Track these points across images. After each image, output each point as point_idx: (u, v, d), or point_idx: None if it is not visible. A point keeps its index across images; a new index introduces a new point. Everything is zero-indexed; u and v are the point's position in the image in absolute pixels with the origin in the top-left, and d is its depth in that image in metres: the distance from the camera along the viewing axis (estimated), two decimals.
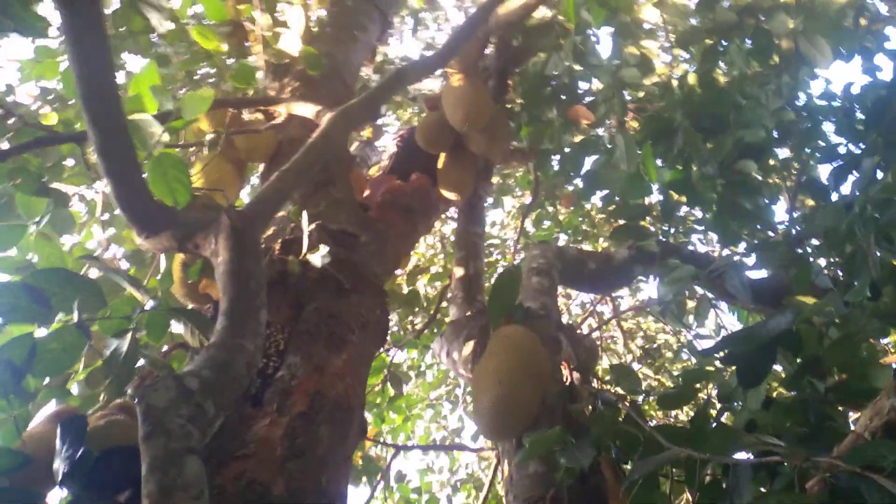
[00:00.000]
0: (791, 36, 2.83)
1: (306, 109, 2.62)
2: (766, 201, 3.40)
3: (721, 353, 2.03)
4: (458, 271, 4.40)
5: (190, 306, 2.75)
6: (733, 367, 1.99)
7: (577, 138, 3.60)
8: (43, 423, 2.38)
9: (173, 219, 1.91)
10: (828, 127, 3.64)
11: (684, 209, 3.90)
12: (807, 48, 2.76)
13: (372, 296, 2.93)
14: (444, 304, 6.07)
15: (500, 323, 2.59)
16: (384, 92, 2.50)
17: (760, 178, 3.42)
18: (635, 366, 7.43)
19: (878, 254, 1.78)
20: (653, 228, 3.13)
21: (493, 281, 2.56)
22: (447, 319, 4.46)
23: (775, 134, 3.55)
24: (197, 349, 2.34)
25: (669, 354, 7.31)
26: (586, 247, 7.35)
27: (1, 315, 2.17)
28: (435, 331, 6.13)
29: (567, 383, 2.47)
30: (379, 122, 8.52)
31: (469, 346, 3.35)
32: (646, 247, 2.88)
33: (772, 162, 4.11)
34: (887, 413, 1.51)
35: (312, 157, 2.20)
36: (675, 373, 5.98)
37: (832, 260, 2.53)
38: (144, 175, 2.03)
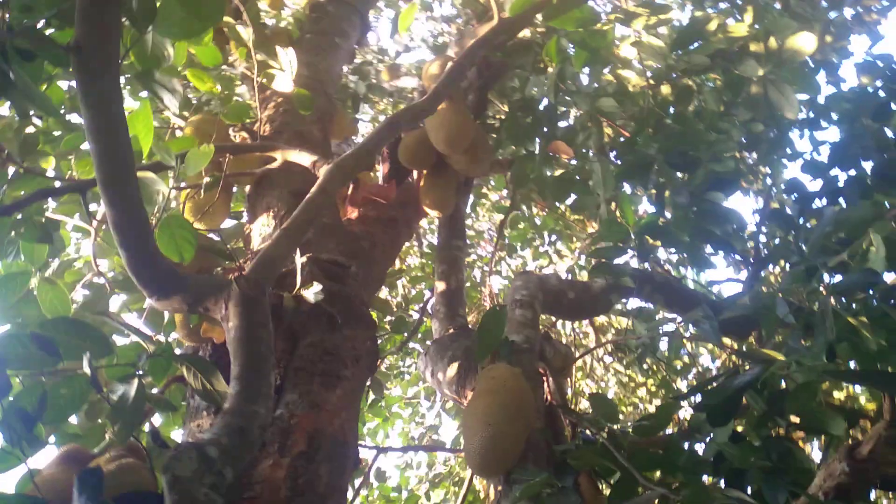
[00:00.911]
0: (760, 83, 2.99)
1: (302, 158, 2.72)
2: (735, 228, 3.59)
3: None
4: (440, 286, 4.53)
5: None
6: None
7: (557, 171, 3.75)
8: (53, 465, 2.49)
9: (183, 283, 2.02)
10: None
11: None
12: (776, 96, 2.92)
13: (364, 328, 3.06)
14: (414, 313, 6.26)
15: (487, 358, 2.74)
16: (378, 142, 2.61)
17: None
18: (607, 359, 7.67)
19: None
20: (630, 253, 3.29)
21: (479, 319, 2.70)
22: (432, 333, 4.60)
23: (744, 140, 3.75)
24: (199, 390, 2.46)
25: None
26: (561, 246, 7.56)
27: (13, 364, 2.26)
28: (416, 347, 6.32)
29: (550, 417, 2.63)
30: (356, 115, 8.59)
31: (454, 368, 3.50)
32: (622, 283, 3.05)
33: (741, 166, 4.32)
34: (839, 475, 1.69)
35: (312, 212, 2.31)
36: (645, 366, 6.22)
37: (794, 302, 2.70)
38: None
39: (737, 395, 2.10)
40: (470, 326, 4.22)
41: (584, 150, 3.61)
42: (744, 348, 2.87)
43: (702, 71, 3.17)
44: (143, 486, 2.31)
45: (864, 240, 2.00)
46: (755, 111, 3.16)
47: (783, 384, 2.27)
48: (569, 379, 5.31)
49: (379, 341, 3.49)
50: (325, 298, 2.93)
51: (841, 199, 3.41)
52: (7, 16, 1.76)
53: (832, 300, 2.04)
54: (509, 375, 2.50)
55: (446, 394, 3.62)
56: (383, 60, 8.73)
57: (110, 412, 2.40)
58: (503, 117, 4.75)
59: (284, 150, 2.86)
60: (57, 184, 2.53)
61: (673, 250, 3.69)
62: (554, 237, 7.40)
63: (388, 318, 6.65)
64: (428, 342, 4.93)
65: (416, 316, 7.11)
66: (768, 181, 6.03)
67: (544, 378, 2.80)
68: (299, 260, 2.90)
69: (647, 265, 3.20)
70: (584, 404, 7.70)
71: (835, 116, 3.91)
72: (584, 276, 6.00)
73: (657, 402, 7.19)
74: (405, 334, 6.01)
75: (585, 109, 3.79)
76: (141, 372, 2.39)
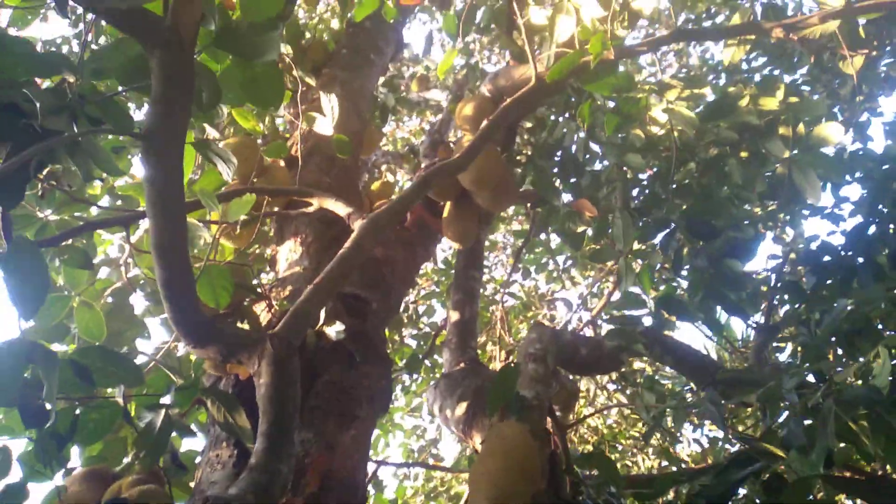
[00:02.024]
0: (786, 164, 3.07)
1: (337, 208, 2.81)
2: (749, 293, 3.67)
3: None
4: (454, 315, 4.64)
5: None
6: None
7: (580, 228, 3.84)
8: (76, 482, 2.62)
9: (220, 335, 2.13)
10: None
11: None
12: (800, 179, 3.00)
13: (380, 366, 3.17)
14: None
15: (498, 412, 2.85)
16: (411, 199, 2.70)
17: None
18: (610, 386, 7.75)
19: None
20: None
21: (496, 371, 2.80)
22: (441, 363, 4.71)
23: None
24: (222, 423, 2.57)
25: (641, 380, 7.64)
26: (574, 272, 7.63)
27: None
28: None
29: (553, 477, 2.73)
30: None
31: (462, 407, 3.61)
32: (634, 348, 3.14)
33: (758, 211, 4.39)
34: None
35: (346, 268, 2.41)
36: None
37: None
38: None
39: (735, 485, 2.19)
40: (480, 360, 4.33)
41: (607, 206, 3.69)
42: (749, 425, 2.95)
43: (729, 145, 3.24)
44: None
45: (872, 352, 2.08)
46: (778, 190, 3.23)
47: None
48: (572, 411, 5.41)
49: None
50: (346, 336, 3.05)
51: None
52: (77, 81, 1.87)
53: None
54: (519, 438, 2.59)
55: (453, 431, 3.72)
56: (415, 69, 8.83)
57: (137, 439, 2.52)
58: (529, 153, 4.83)
59: (321, 196, 2.96)
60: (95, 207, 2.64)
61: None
62: (569, 262, 7.49)
63: (401, 335, 6.79)
64: (437, 371, 5.05)
65: (425, 329, 7.25)
66: (787, 231, 6.10)
67: (552, 436, 2.90)
68: None
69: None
70: (584, 429, 7.81)
71: (858, 174, 3.99)
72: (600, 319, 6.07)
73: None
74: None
75: (613, 162, 3.88)
76: (169, 403, 2.52)
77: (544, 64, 3.45)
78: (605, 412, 7.58)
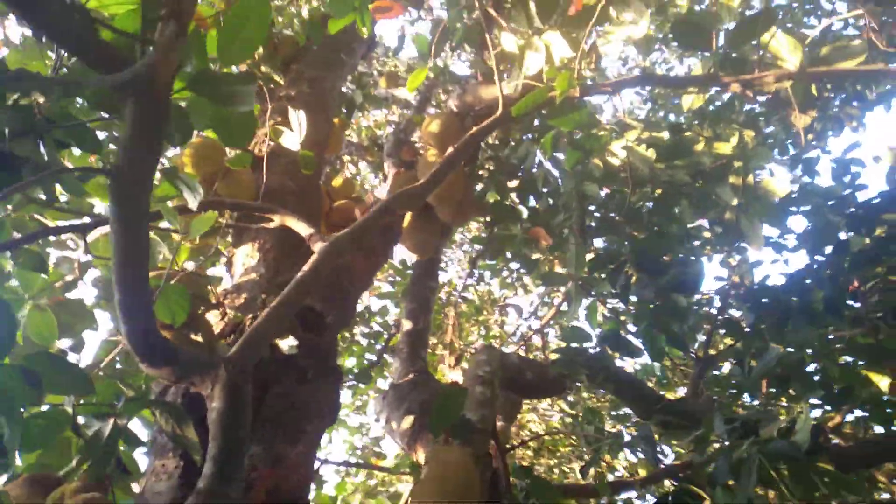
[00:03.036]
0: (734, 210, 3.21)
1: (299, 227, 2.84)
2: (690, 325, 3.83)
3: None
4: (407, 324, 4.71)
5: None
6: None
7: (535, 255, 3.94)
8: (18, 487, 2.61)
9: (174, 357, 2.15)
10: None
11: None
12: (746, 227, 3.14)
13: (332, 381, 3.21)
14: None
15: (442, 434, 2.93)
16: (371, 223, 2.75)
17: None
18: None
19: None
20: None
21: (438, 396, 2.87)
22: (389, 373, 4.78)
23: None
24: (169, 433, 2.59)
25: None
26: (527, 280, 7.75)
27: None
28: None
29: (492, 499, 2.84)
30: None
31: (408, 421, 3.69)
32: (576, 376, 3.26)
33: (707, 234, 4.57)
34: None
35: (303, 292, 2.45)
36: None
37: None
38: None
39: None
40: (429, 371, 4.41)
41: (562, 233, 3.79)
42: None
43: (681, 187, 3.37)
44: None
45: (797, 410, 2.23)
46: (726, 233, 3.38)
47: None
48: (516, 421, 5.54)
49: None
50: (300, 350, 3.09)
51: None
52: (47, 102, 1.87)
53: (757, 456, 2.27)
54: (460, 465, 2.68)
55: (397, 443, 3.80)
56: (384, 67, 8.82)
57: (83, 448, 2.53)
58: (491, 168, 4.92)
59: (284, 214, 2.98)
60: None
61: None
62: (522, 270, 7.62)
63: (352, 332, 6.82)
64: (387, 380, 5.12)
65: (376, 328, 7.29)
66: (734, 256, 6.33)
67: (492, 459, 2.99)
68: None
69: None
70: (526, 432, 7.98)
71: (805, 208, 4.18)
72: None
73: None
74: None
75: (570, 188, 3.98)
76: (118, 413, 2.53)
77: (512, 89, 3.52)
78: (547, 414, 7.77)
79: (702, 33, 3.01)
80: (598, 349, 3.17)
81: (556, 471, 7.50)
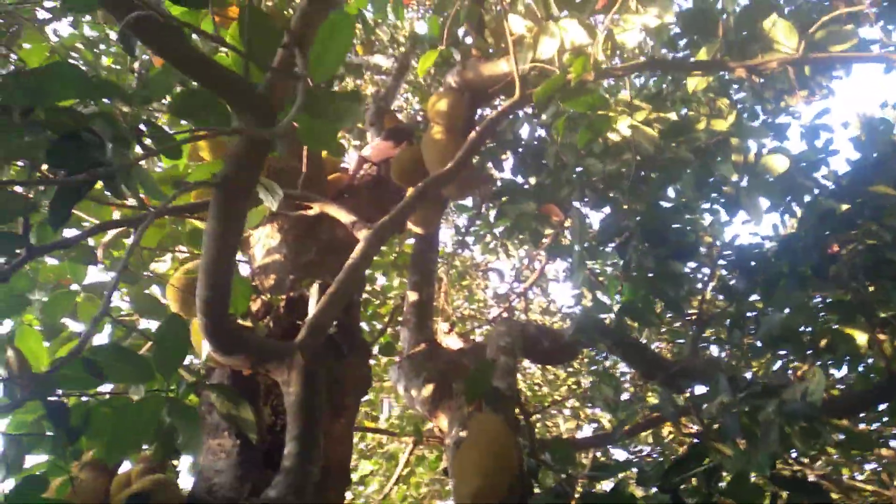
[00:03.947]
0: (734, 186, 3.45)
1: (341, 215, 2.97)
2: (686, 291, 4.10)
3: None
4: (412, 296, 4.87)
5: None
6: None
7: (548, 231, 4.14)
8: (84, 472, 2.73)
9: (248, 345, 2.29)
10: None
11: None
12: (746, 203, 3.39)
13: (362, 355, 3.39)
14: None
15: (475, 402, 3.14)
16: (409, 208, 2.90)
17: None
18: None
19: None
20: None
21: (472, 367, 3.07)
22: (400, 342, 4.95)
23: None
24: (225, 414, 2.74)
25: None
26: (509, 245, 7.98)
27: (66, 386, 2.48)
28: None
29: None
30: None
31: (429, 389, 3.89)
32: (593, 343, 3.50)
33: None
34: None
35: (355, 277, 2.60)
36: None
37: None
38: None
39: (681, 481, 2.59)
40: (437, 341, 4.61)
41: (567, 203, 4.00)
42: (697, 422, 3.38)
43: (683, 164, 3.59)
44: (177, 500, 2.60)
45: (808, 372, 2.49)
46: (725, 206, 3.63)
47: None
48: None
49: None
50: (335, 330, 3.24)
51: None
52: (131, 110, 1.97)
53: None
54: (499, 427, 2.90)
55: (417, 409, 4.00)
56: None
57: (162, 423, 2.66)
58: (489, 142, 5.06)
59: (324, 202, 3.10)
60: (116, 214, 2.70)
61: None
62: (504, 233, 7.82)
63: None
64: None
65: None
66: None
67: (523, 422, 3.22)
68: (315, 294, 3.18)
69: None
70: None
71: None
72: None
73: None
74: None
75: (572, 163, 4.17)
76: (178, 397, 2.66)
77: (520, 70, 3.66)
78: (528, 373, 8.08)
79: (708, 21, 3.19)
80: (616, 319, 3.40)
81: (538, 425, 7.85)
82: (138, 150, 1.99)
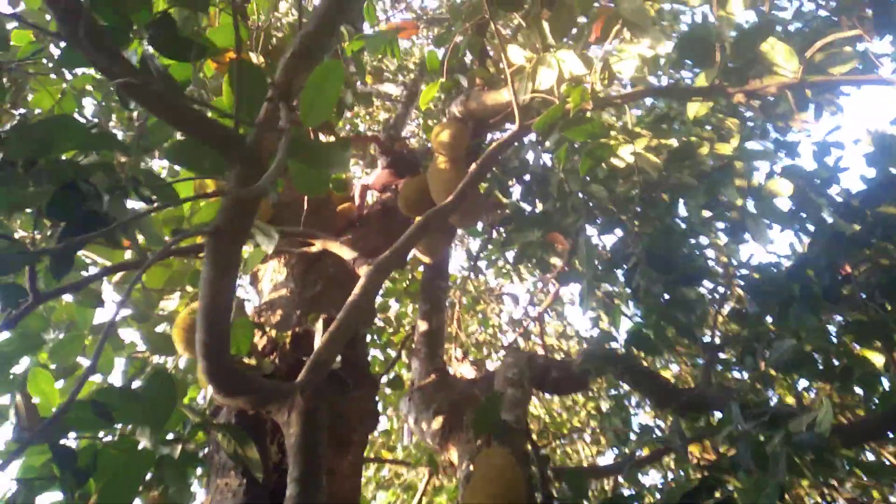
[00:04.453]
0: (740, 212, 3.43)
1: (342, 251, 3.00)
2: (698, 316, 4.06)
3: None
4: (422, 325, 4.88)
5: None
6: None
7: (553, 259, 4.13)
8: None
9: (249, 387, 2.30)
10: None
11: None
12: (752, 227, 3.36)
13: (369, 388, 3.39)
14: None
15: (484, 437, 3.13)
16: (412, 241, 2.91)
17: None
18: None
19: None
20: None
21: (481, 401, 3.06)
22: (409, 374, 4.96)
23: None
24: (231, 454, 2.75)
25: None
26: (522, 269, 7.97)
27: (76, 428, 2.51)
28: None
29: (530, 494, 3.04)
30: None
31: (438, 422, 3.87)
32: (602, 373, 3.47)
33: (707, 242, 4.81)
34: None
35: (356, 314, 2.61)
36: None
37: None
38: None
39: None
40: (448, 371, 4.60)
41: (574, 234, 3.99)
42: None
43: (687, 189, 3.58)
44: None
45: (816, 402, 2.46)
46: (732, 231, 3.61)
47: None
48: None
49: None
50: (340, 364, 3.25)
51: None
52: (129, 161, 2.00)
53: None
54: (506, 463, 2.88)
55: (428, 443, 3.99)
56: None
57: (155, 471, 2.68)
58: (495, 169, 5.08)
59: (325, 239, 3.13)
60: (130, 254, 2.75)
61: None
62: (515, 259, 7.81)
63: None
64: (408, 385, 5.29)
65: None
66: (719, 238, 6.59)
67: (532, 454, 3.20)
68: (320, 330, 3.20)
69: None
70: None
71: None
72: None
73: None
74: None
75: (576, 190, 4.17)
76: (185, 438, 2.69)
77: (520, 100, 3.68)
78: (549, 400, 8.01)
79: (706, 47, 3.20)
80: (623, 349, 3.38)
81: (558, 452, 7.77)
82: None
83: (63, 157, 2.00)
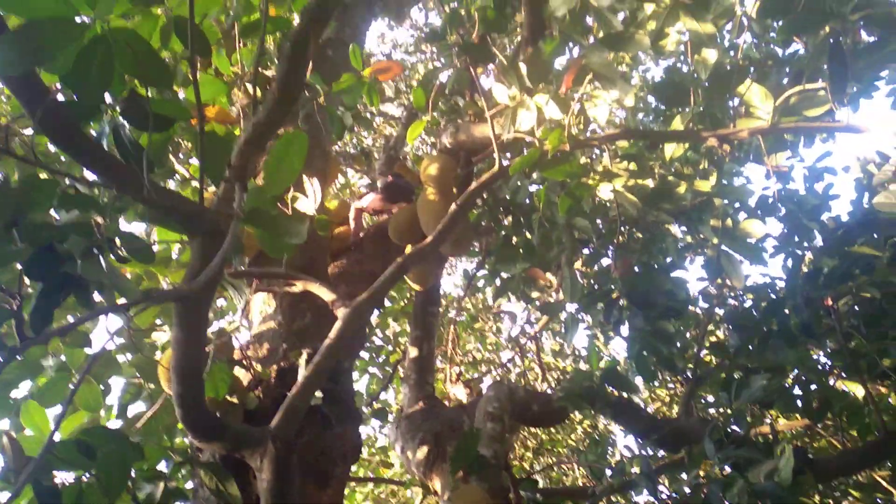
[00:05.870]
0: (715, 249, 3.49)
1: (322, 293, 3.09)
2: (679, 348, 4.12)
3: None
4: (413, 351, 4.96)
5: None
6: None
7: (535, 293, 4.21)
8: None
9: (223, 433, 2.40)
10: None
11: None
12: (727, 265, 3.43)
13: (352, 423, 3.47)
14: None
15: (460, 472, 3.20)
16: (388, 284, 3.00)
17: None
18: None
19: None
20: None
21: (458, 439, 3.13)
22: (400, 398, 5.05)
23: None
24: (213, 490, 2.84)
25: None
26: None
27: (56, 468, 2.61)
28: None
29: None
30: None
31: (423, 451, 3.96)
32: (578, 408, 3.54)
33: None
34: None
35: (331, 357, 2.70)
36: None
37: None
38: None
39: None
40: (437, 398, 4.68)
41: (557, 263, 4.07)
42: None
43: (666, 224, 3.65)
44: None
45: (779, 448, 2.52)
46: (708, 267, 3.67)
47: None
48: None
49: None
50: (323, 399, 3.34)
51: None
52: (105, 222, 2.10)
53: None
54: (479, 500, 2.96)
55: (413, 472, 4.07)
56: None
57: None
58: (485, 196, 5.17)
59: (306, 280, 3.22)
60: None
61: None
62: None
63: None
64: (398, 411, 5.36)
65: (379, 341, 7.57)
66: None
67: (509, 491, 3.27)
68: (303, 365, 3.29)
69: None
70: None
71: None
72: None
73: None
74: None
75: (561, 223, 4.25)
76: (168, 476, 2.78)
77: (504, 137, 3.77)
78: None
79: (681, 91, 3.27)
80: (598, 386, 3.45)
81: (554, 469, 7.81)
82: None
83: (41, 219, 2.09)
